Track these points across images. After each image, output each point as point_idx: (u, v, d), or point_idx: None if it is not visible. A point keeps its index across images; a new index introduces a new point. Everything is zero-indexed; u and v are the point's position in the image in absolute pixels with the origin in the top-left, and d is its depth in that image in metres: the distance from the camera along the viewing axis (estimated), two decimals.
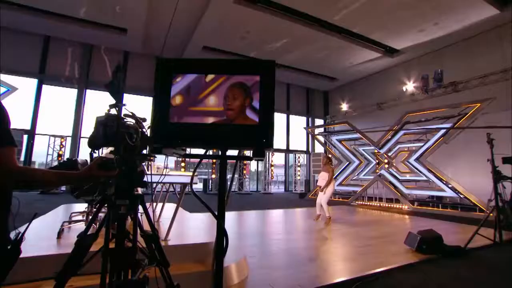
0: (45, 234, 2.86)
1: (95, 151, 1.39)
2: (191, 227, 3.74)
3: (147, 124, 1.52)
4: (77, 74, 11.36)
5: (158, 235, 1.54)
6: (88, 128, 11.53)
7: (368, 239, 4.74)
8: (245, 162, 13.22)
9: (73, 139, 11.23)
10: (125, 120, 1.41)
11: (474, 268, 3.34)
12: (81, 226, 3.13)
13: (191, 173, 2.01)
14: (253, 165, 16.69)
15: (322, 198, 6.15)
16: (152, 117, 1.22)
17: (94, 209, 3.22)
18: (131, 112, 1.47)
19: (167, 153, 1.29)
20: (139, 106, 12.62)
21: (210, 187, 13.53)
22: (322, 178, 6.20)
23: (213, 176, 13.70)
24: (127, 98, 12.23)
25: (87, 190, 1.42)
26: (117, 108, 1.43)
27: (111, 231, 1.37)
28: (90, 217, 3.24)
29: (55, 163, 10.94)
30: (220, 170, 1.24)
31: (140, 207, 1.45)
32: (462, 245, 3.92)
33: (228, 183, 1.28)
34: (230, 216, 6.68)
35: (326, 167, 6.26)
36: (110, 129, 1.28)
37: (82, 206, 3.70)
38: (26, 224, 1.14)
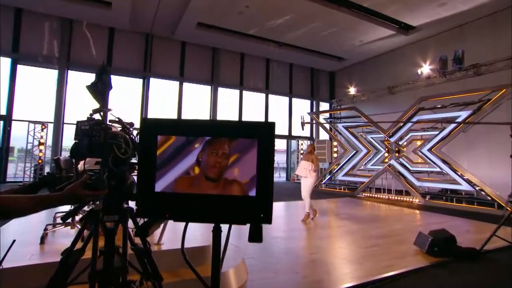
0: (27, 238, 2.87)
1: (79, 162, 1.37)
2: None
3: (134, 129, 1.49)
4: (56, 53, 11.10)
5: (150, 249, 1.55)
6: (71, 113, 11.40)
7: (375, 238, 4.81)
8: None
9: (56, 125, 11.12)
10: (111, 127, 1.38)
11: (490, 273, 3.40)
12: (66, 230, 3.15)
13: None
14: None
15: (305, 190, 5.96)
16: (136, 186, 1.17)
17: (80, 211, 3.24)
18: (117, 118, 1.44)
19: (155, 230, 1.27)
20: (127, 89, 12.45)
21: None
22: (303, 167, 5.98)
23: None
24: (114, 80, 12.03)
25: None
26: (101, 114, 1.40)
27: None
28: (77, 218, 3.26)
29: (36, 152, 10.85)
30: (213, 239, 1.18)
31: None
32: (477, 246, 3.96)
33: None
34: None
35: (311, 156, 6.04)
36: (96, 139, 1.24)
37: (66, 206, 3.72)
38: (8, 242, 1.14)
